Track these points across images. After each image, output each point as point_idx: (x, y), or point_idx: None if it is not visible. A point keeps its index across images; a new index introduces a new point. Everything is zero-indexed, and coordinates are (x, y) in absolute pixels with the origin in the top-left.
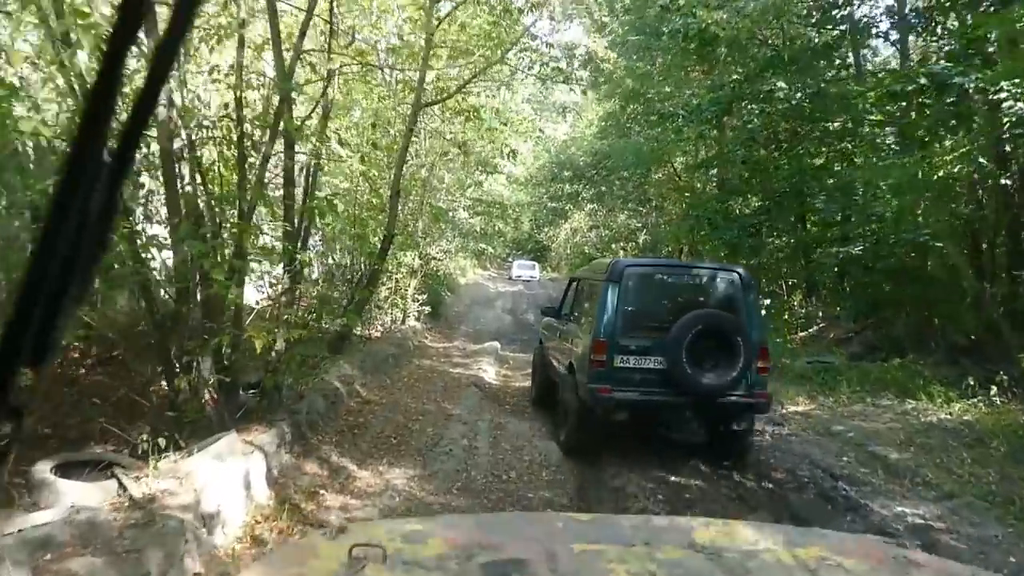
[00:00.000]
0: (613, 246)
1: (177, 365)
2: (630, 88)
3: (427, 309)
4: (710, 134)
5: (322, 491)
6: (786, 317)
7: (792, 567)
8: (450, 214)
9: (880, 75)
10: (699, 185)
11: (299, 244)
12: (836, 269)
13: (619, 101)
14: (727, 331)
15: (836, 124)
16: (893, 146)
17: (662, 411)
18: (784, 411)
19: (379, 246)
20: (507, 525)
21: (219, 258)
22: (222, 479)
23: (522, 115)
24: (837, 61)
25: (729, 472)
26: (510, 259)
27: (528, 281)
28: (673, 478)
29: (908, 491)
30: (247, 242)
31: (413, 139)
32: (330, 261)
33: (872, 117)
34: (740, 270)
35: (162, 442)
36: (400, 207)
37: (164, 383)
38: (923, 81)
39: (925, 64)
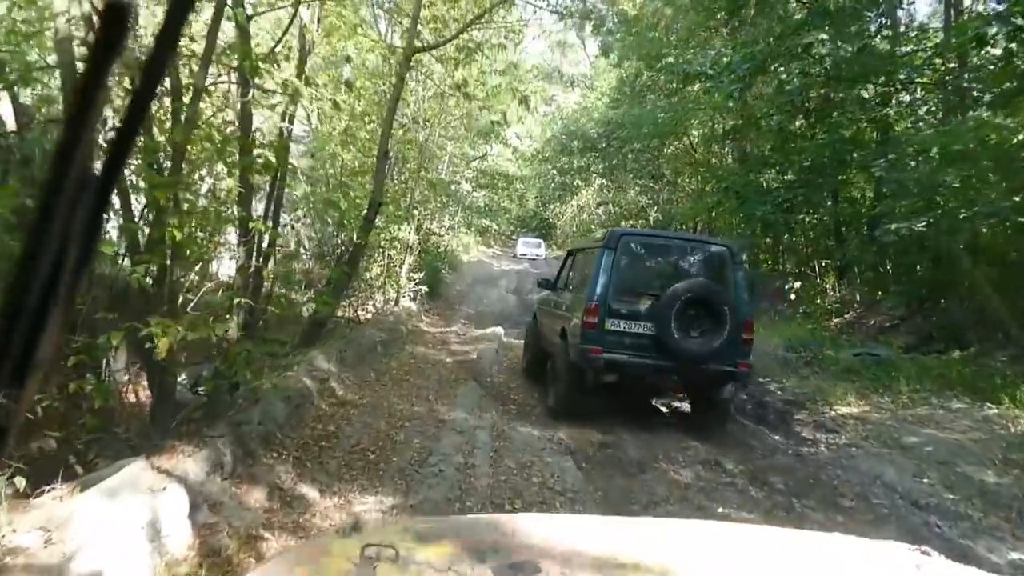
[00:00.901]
0: (623, 223)
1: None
2: (649, 47)
3: (424, 289)
4: (737, 99)
5: (266, 533)
6: (818, 301)
7: (814, 573)
8: (452, 186)
9: (927, 31)
10: (715, 160)
11: (271, 212)
12: (889, 248)
13: (636, 64)
14: (715, 301)
15: (875, 88)
16: (935, 111)
17: (649, 374)
18: (833, 413)
19: (365, 216)
20: (522, 528)
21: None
22: (113, 527)
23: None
24: (879, 19)
25: (788, 498)
26: (515, 237)
27: (533, 259)
28: (720, 509)
29: (1018, 528)
30: (171, 205)
31: (408, 96)
32: (313, 234)
33: (921, 80)
34: (729, 244)
35: (20, 481)
36: (392, 173)
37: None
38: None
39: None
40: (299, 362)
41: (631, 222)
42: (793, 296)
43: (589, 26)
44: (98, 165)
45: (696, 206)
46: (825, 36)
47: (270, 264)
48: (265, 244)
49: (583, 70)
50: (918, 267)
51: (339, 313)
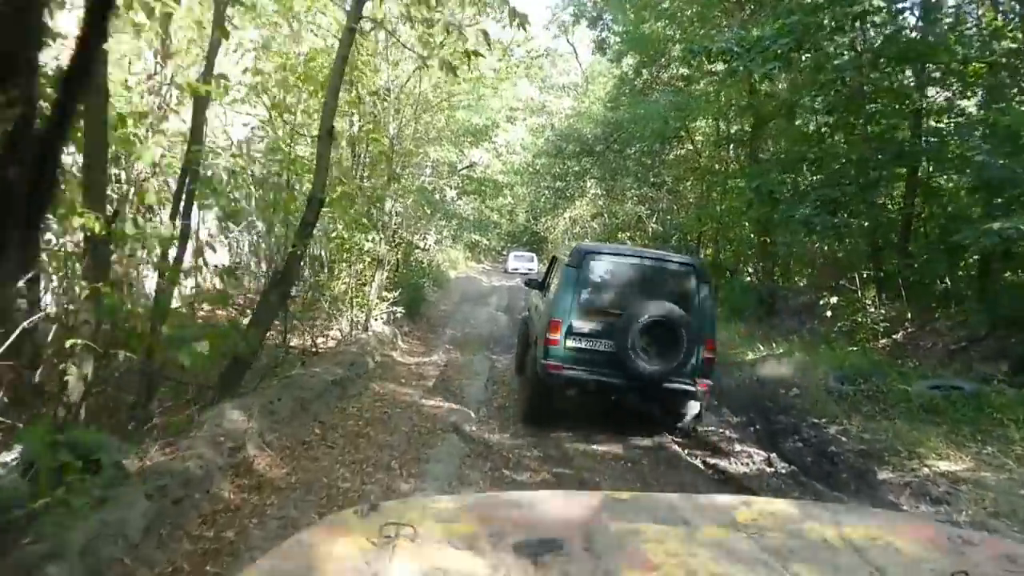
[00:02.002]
0: (620, 235)
1: None
2: (653, 37)
3: (399, 311)
4: (773, 79)
5: None
6: (859, 319)
7: (839, 547)
8: (437, 195)
9: None
10: (719, 165)
11: (179, 210)
12: (973, 253)
13: (635, 61)
14: (672, 321)
15: (920, 71)
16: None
17: (608, 391)
18: (929, 471)
19: (303, 218)
20: (542, 504)
21: None
22: None
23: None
24: None
25: None
26: (505, 252)
27: (526, 274)
28: None
29: None
30: None
31: (370, 74)
32: (256, 245)
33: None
34: (695, 262)
35: None
36: (358, 171)
37: None
38: None
39: None
40: (204, 422)
41: (627, 234)
42: (829, 313)
43: (584, 24)
44: None
45: (703, 213)
46: (882, 2)
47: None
48: (144, 253)
49: (575, 79)
50: (1007, 276)
51: (294, 342)
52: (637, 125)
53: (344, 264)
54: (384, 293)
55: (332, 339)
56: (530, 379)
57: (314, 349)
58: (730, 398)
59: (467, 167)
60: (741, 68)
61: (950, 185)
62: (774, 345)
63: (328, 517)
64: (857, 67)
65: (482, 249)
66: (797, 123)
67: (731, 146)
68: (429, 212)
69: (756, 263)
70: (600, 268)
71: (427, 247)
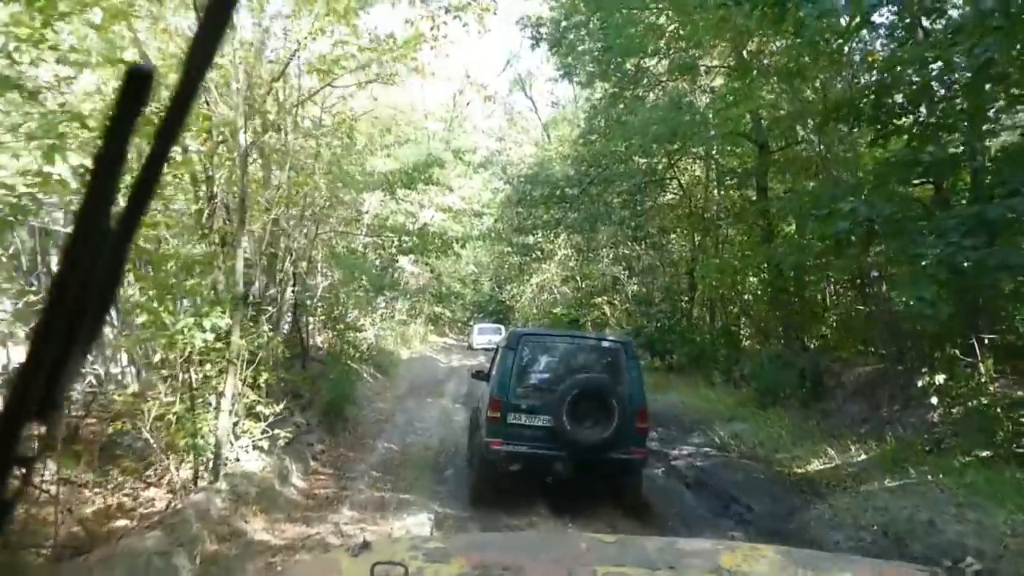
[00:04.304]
0: (596, 300)
1: None
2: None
3: (283, 436)
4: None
5: None
6: (980, 402)
7: None
8: (376, 260)
9: None
10: (716, 209)
11: None
12: None
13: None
14: (604, 394)
15: None
16: None
17: (548, 464)
18: None
19: None
20: (531, 546)
21: None
22: None
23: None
24: None
25: None
26: (471, 323)
27: (493, 350)
28: None
29: None
30: None
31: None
32: None
33: None
34: (624, 340)
35: None
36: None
37: None
38: None
39: None
40: None
41: (604, 298)
42: (935, 399)
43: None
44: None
45: (707, 266)
46: None
47: None
48: None
49: (535, 136)
50: None
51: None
52: (630, 144)
53: (159, 371)
54: (256, 405)
55: (160, 499)
56: (475, 461)
57: (75, 544)
58: None
59: (411, 232)
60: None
61: None
62: (849, 446)
63: (319, 556)
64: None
65: (446, 322)
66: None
67: (732, 182)
68: (364, 284)
69: (777, 327)
70: (536, 348)
71: (362, 326)
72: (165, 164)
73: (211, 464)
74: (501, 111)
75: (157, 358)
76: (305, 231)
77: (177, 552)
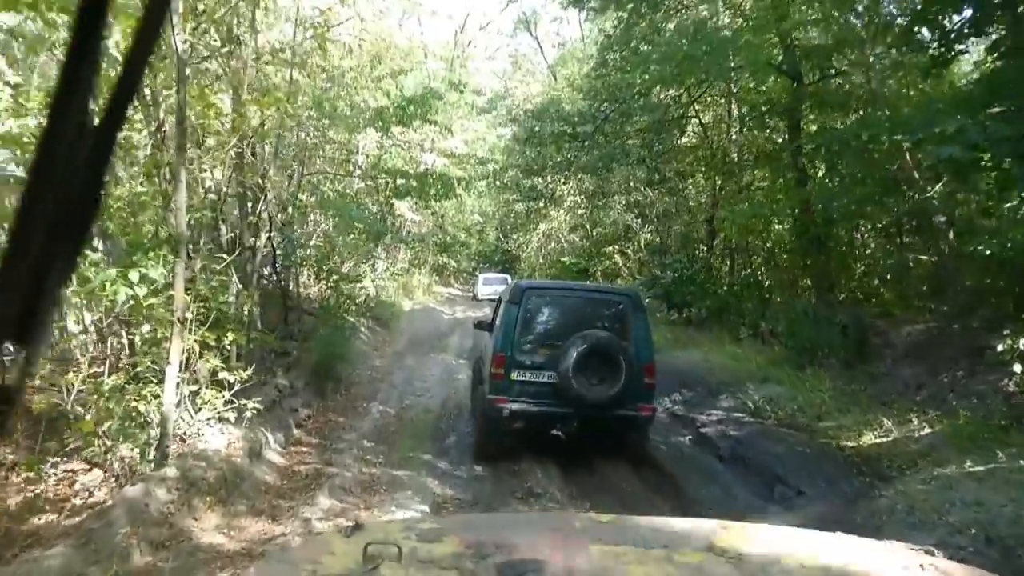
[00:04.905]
0: (607, 249)
1: None
2: None
3: (251, 407)
4: None
5: None
6: None
7: (815, 573)
8: (373, 206)
9: None
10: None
11: None
12: None
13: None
14: (610, 350)
15: None
16: None
17: (554, 421)
18: None
19: None
20: (524, 525)
21: None
22: None
23: None
24: None
25: None
26: (476, 273)
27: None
28: None
29: None
30: None
31: None
32: None
33: None
34: (630, 292)
35: None
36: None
37: None
38: None
39: None
40: None
41: (616, 247)
42: (1018, 365)
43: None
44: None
45: (752, 208)
46: None
47: None
48: None
49: (541, 80)
50: None
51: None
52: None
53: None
54: (225, 374)
55: (103, 486)
56: (479, 416)
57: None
58: None
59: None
60: None
61: None
62: (909, 417)
63: (311, 537)
64: None
65: (451, 272)
66: None
67: (759, 118)
68: (359, 231)
69: (805, 279)
70: (541, 302)
71: (359, 276)
72: (152, 48)
73: (157, 445)
74: (505, 54)
75: (89, 318)
76: (290, 172)
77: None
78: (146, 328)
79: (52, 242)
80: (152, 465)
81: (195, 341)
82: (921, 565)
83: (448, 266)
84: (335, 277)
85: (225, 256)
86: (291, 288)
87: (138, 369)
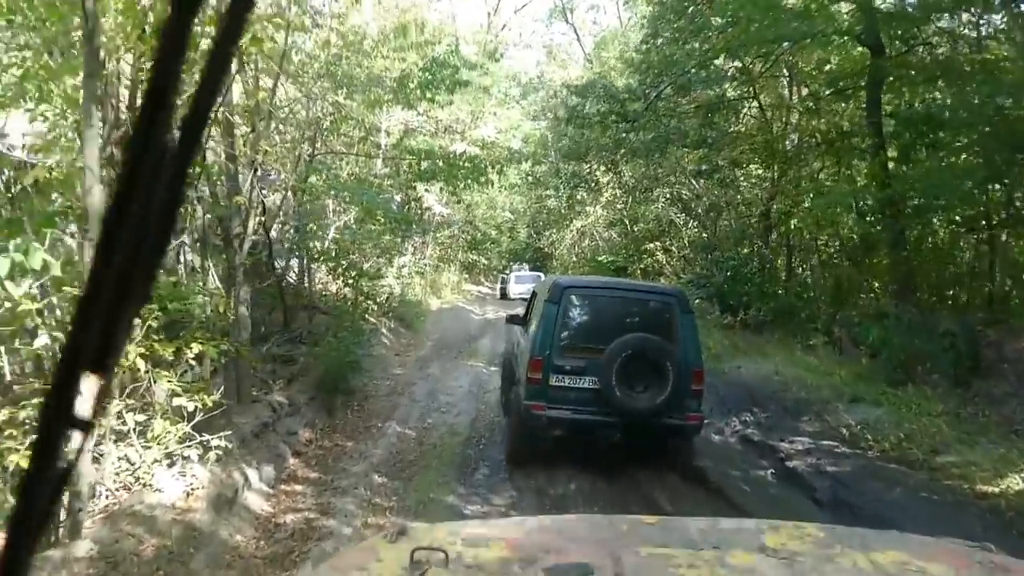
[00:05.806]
0: (648, 246)
1: None
2: None
3: (217, 444)
4: None
5: None
6: None
7: (870, 573)
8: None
9: None
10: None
11: None
12: None
13: None
14: (657, 355)
15: None
16: None
17: (594, 430)
18: None
19: None
20: (572, 528)
21: None
22: None
23: None
24: None
25: None
26: (507, 271)
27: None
28: None
29: None
30: None
31: None
32: None
33: None
34: (677, 291)
35: None
36: None
37: None
38: None
39: None
40: None
41: (658, 243)
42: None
43: None
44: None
45: (833, 198)
46: None
47: None
48: None
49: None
50: None
51: None
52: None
53: None
54: (181, 400)
55: None
56: (513, 420)
57: None
58: None
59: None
60: None
61: None
62: None
63: (355, 544)
64: None
65: (481, 269)
66: None
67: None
68: (380, 220)
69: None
70: (581, 302)
71: (381, 272)
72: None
73: (67, 511)
74: (539, 43)
75: None
76: (297, 151)
77: None
78: (40, 342)
79: (131, 269)
80: (53, 540)
81: (139, 356)
82: (982, 564)
83: (478, 263)
84: (354, 273)
85: (187, 243)
86: (304, 284)
87: (24, 403)
